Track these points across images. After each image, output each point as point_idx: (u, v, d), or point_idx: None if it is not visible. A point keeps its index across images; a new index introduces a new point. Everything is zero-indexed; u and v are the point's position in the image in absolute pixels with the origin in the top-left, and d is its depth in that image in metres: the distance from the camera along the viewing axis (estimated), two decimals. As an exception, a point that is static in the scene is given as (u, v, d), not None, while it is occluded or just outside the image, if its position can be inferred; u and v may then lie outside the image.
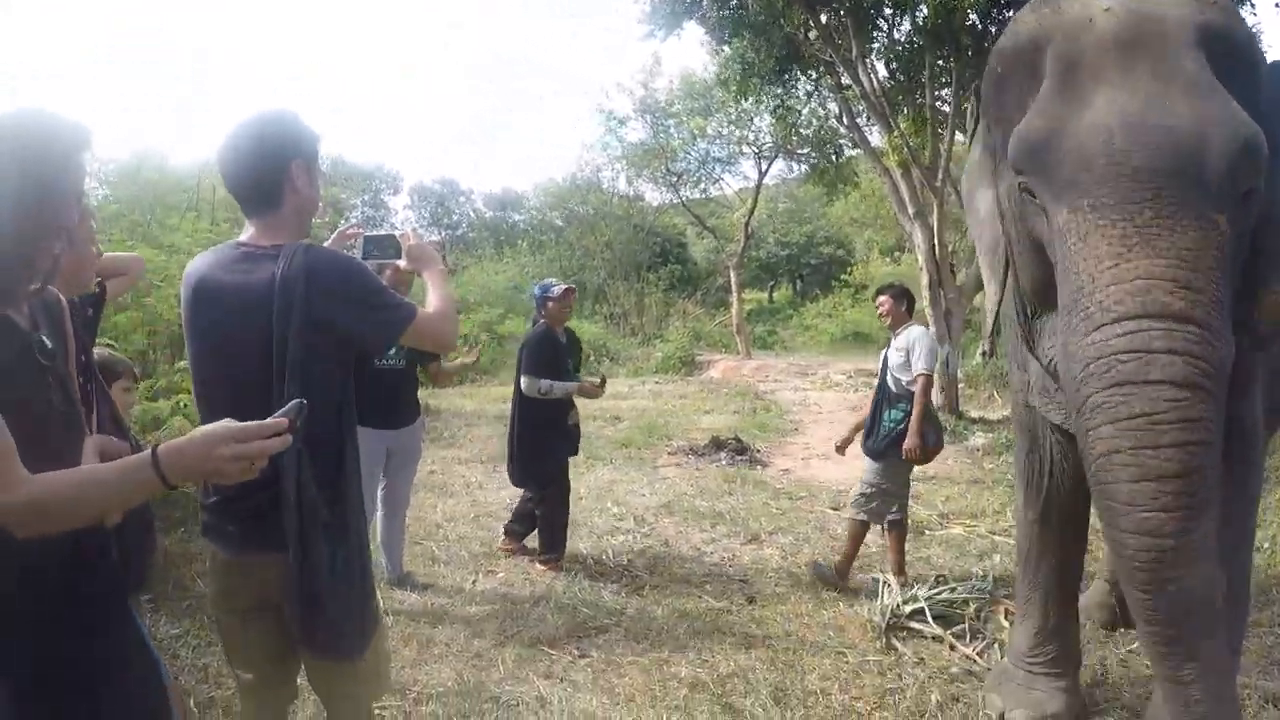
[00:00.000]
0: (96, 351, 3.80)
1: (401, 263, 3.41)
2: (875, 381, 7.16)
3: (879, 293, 7.28)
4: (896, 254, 37.07)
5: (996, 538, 7.81)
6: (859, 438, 7.10)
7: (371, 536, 6.35)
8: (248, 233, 3.01)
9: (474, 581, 6.87)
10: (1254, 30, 3.07)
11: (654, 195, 38.73)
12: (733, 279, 30.17)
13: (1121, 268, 2.72)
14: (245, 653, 3.17)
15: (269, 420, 2.01)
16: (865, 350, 29.14)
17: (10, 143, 2.15)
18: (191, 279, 3.00)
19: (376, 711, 4.50)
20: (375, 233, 3.50)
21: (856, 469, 10.10)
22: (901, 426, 6.57)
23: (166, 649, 5.28)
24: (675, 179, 34.92)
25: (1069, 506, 4.42)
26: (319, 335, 2.86)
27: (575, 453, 7.48)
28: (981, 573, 6.61)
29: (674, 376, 23.02)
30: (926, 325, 11.09)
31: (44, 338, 2.33)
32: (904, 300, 7.06)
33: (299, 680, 3.33)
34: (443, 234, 44.55)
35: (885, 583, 6.19)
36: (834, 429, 13.80)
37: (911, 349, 6.75)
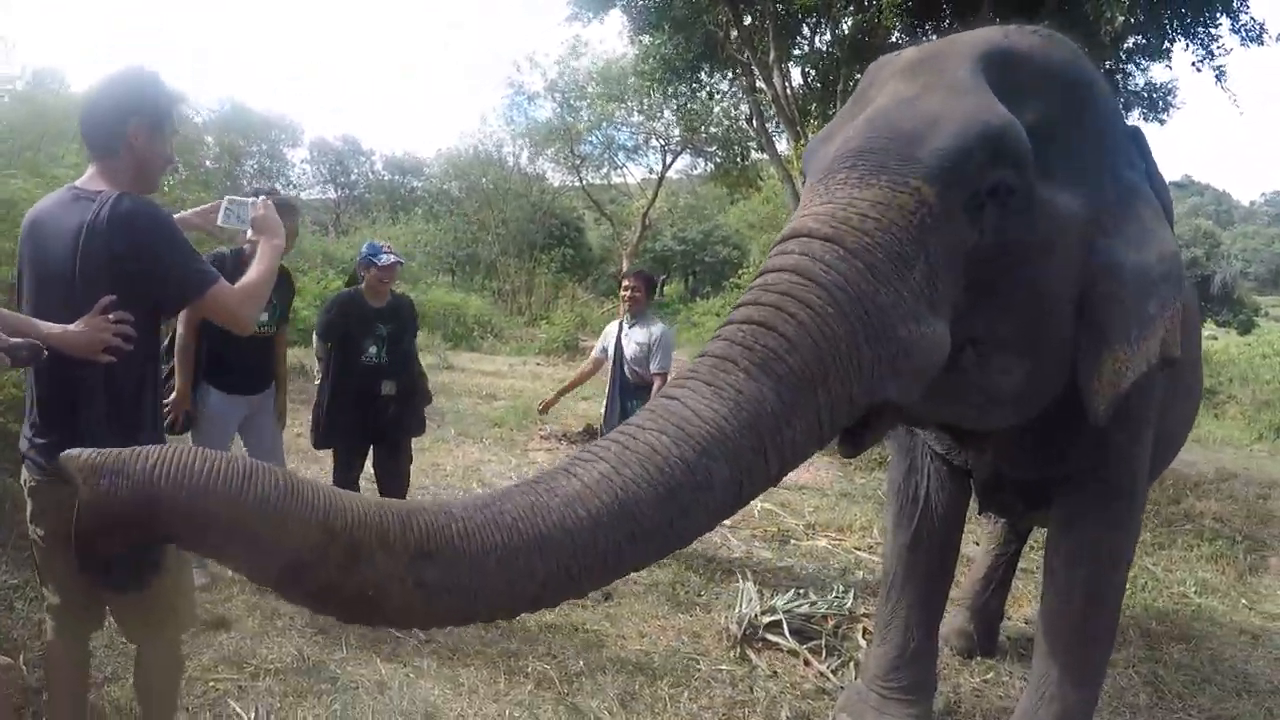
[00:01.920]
0: None
1: (249, 231, 3.60)
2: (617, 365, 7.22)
3: (628, 276, 7.42)
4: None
5: (861, 554, 7.76)
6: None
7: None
8: (84, 176, 3.24)
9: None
10: (1072, 62, 3.03)
11: (555, 176, 38.65)
12: (625, 268, 30.15)
13: (798, 214, 2.71)
14: (52, 576, 3.39)
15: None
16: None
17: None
18: (29, 215, 3.24)
19: (212, 684, 4.55)
20: (237, 198, 3.66)
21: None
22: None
23: (2, 600, 5.18)
24: (578, 161, 34.82)
25: (942, 534, 4.39)
26: (117, 283, 3.02)
27: (396, 429, 6.89)
28: (843, 588, 6.50)
29: (556, 359, 22.81)
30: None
31: None
32: (652, 289, 7.35)
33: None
34: (340, 191, 44.31)
35: (745, 591, 6.08)
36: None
37: (654, 345, 6.98)
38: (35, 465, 3.24)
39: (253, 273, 3.40)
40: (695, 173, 36.33)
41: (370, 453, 6.77)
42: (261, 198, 3.68)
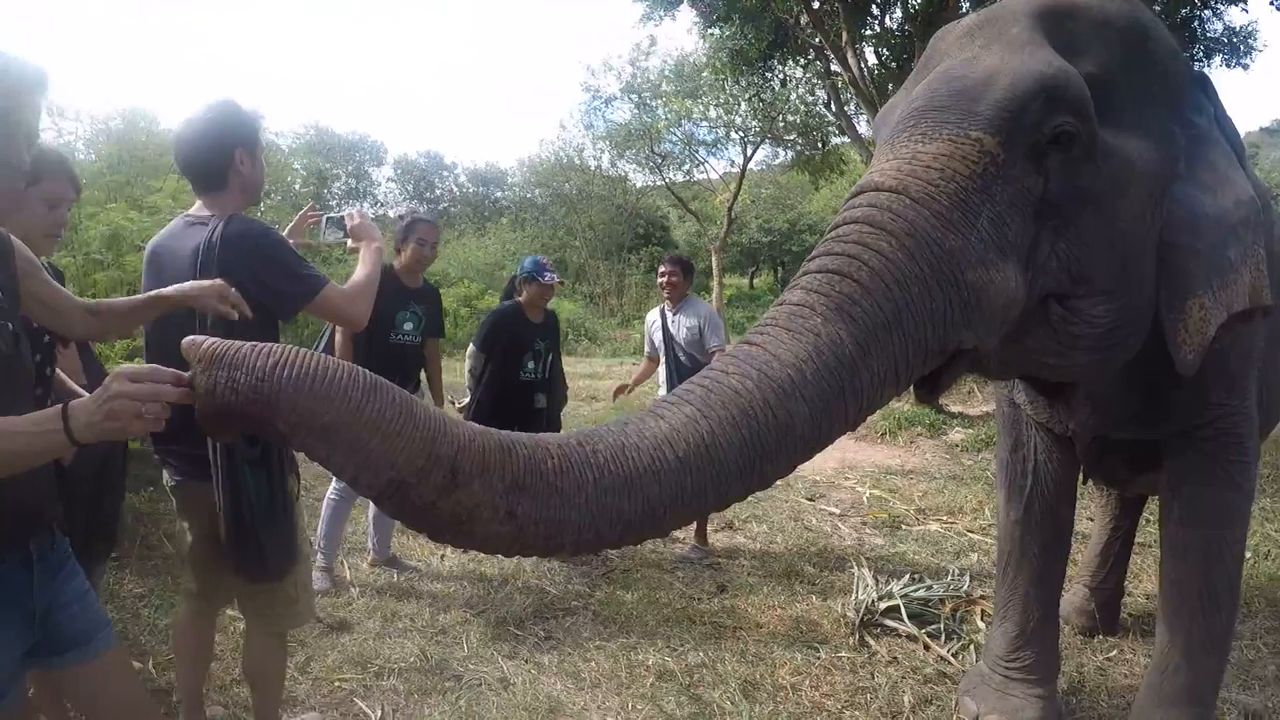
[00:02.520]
0: None
1: (349, 241, 3.88)
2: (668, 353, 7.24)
3: (664, 263, 7.43)
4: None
5: (974, 536, 7.69)
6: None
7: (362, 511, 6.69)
8: (196, 206, 3.53)
9: (442, 557, 6.79)
10: (1130, 12, 3.01)
11: (637, 177, 38.64)
12: (714, 263, 30.10)
13: (866, 175, 2.76)
14: (194, 564, 3.76)
15: (166, 369, 1.99)
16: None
17: None
18: (149, 247, 3.53)
19: (338, 684, 4.69)
20: (335, 214, 4.04)
21: (833, 460, 10.10)
22: None
23: (129, 608, 5.39)
24: (660, 160, 34.80)
25: (1052, 508, 4.33)
26: (250, 295, 3.21)
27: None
28: (958, 571, 6.47)
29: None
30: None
31: None
32: (690, 273, 7.32)
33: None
34: (424, 207, 44.72)
35: (861, 578, 6.06)
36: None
37: (704, 325, 7.00)
38: (173, 468, 3.58)
39: (359, 274, 3.65)
40: (776, 162, 36.08)
41: None
42: (355, 208, 4.06)
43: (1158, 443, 3.85)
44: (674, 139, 33.96)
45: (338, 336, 5.97)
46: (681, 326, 7.09)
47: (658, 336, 7.30)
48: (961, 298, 2.47)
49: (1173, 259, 3.04)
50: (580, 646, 5.27)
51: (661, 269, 7.39)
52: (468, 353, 7.00)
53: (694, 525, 7.09)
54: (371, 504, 6.42)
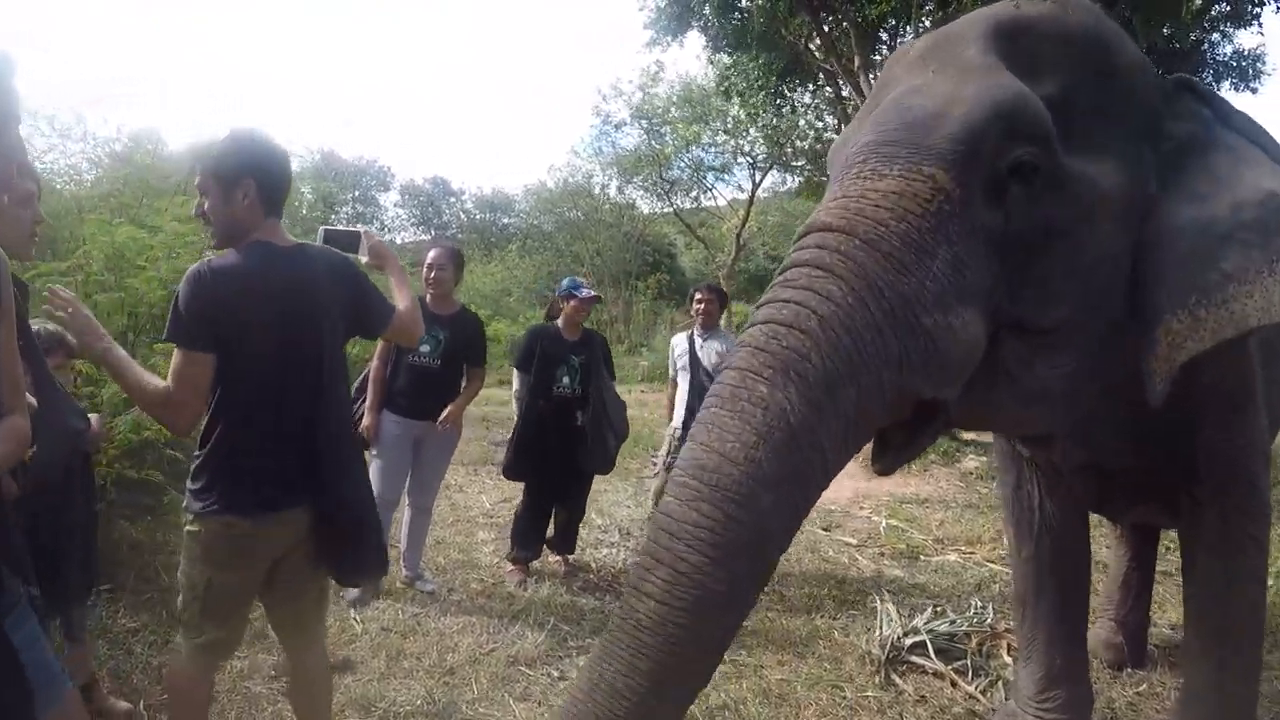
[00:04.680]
0: (42, 325, 3.97)
1: (364, 258, 3.90)
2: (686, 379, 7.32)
3: (700, 290, 7.58)
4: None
5: (993, 566, 7.57)
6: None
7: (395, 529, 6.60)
8: (276, 234, 3.47)
9: (449, 591, 6.63)
10: (1091, 25, 2.90)
11: (645, 203, 38.63)
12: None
13: (818, 210, 2.63)
14: (227, 612, 3.52)
15: None
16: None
17: None
18: (240, 274, 3.29)
19: None
20: (335, 227, 3.99)
21: (847, 488, 9.95)
22: None
23: (121, 643, 5.19)
24: (668, 187, 34.78)
25: (1064, 543, 4.19)
26: (342, 320, 3.54)
27: (588, 462, 7.11)
28: (980, 603, 6.35)
29: (660, 385, 22.72)
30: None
31: None
32: (724, 302, 7.66)
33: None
34: (433, 233, 44.78)
35: (885, 612, 5.90)
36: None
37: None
38: (259, 504, 3.38)
39: (407, 299, 3.90)
40: (784, 189, 36.08)
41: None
42: (366, 228, 4.03)
43: (1159, 470, 3.69)
44: (682, 164, 33.97)
45: (374, 361, 6.39)
46: (711, 352, 7.15)
47: (683, 361, 7.32)
48: (918, 345, 2.34)
49: (1144, 281, 2.86)
50: (596, 687, 5.07)
51: (698, 295, 7.51)
52: (513, 378, 7.26)
53: None
54: (406, 517, 6.65)
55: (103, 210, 8.45)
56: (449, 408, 6.44)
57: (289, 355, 3.36)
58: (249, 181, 3.36)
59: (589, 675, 2.12)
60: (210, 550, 3.40)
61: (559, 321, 7.08)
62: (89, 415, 4.05)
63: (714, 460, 2.14)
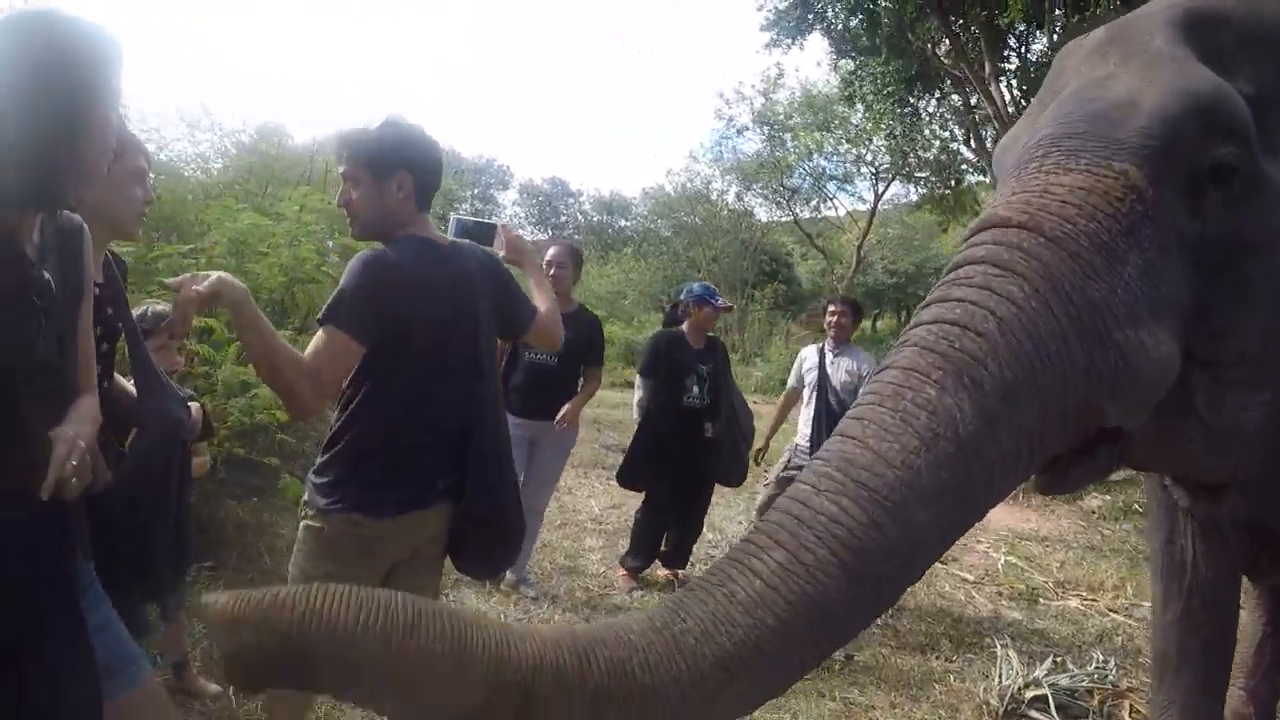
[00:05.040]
0: (149, 307, 4.05)
1: (500, 252, 3.75)
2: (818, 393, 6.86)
3: (834, 302, 7.18)
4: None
5: (1116, 616, 7.12)
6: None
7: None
8: (419, 228, 3.37)
9: (553, 598, 6.56)
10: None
11: (763, 211, 38.44)
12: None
13: (986, 209, 2.29)
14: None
15: None
16: (967, 388, 28.56)
17: (27, 38, 2.03)
18: (408, 268, 3.21)
19: None
20: (468, 218, 3.85)
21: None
22: None
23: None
24: (789, 195, 34.53)
25: (1214, 606, 3.72)
26: (493, 318, 3.49)
27: (720, 473, 7.04)
28: (1102, 657, 5.92)
29: (773, 397, 22.41)
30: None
31: (48, 276, 2.18)
32: (859, 316, 7.28)
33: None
34: (553, 233, 45.17)
35: (1005, 659, 5.53)
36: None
37: (863, 373, 6.65)
38: (399, 503, 3.28)
39: (547, 298, 3.86)
40: (903, 201, 35.68)
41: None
42: (503, 221, 3.94)
43: None
44: (803, 172, 33.71)
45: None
46: (841, 370, 6.78)
47: (811, 376, 6.94)
48: (1107, 361, 1.97)
49: None
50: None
51: (831, 308, 7.10)
52: (636, 385, 7.18)
53: None
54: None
55: (227, 197, 8.54)
56: (567, 407, 6.33)
57: (447, 353, 3.30)
58: (404, 174, 3.26)
59: (654, 620, 1.77)
60: (332, 548, 3.29)
61: (684, 327, 6.94)
62: (189, 404, 3.93)
63: (867, 458, 1.79)
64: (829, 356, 6.86)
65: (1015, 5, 12.75)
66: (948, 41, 15.01)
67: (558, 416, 6.24)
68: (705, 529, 7.83)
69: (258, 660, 1.50)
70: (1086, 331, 1.93)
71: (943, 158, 25.22)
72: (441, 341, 3.27)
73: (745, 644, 1.62)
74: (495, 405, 3.57)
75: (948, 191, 26.17)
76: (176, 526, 3.64)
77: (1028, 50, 15.46)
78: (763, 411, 18.80)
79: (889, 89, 16.15)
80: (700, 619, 1.66)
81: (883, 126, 21.68)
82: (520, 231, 4.07)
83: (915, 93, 17.07)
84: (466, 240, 3.67)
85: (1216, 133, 2.16)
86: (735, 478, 7.03)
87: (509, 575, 6.41)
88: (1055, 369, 1.90)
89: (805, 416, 6.94)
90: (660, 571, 7.16)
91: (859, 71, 16.63)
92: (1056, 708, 5.13)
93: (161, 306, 4.01)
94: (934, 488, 1.76)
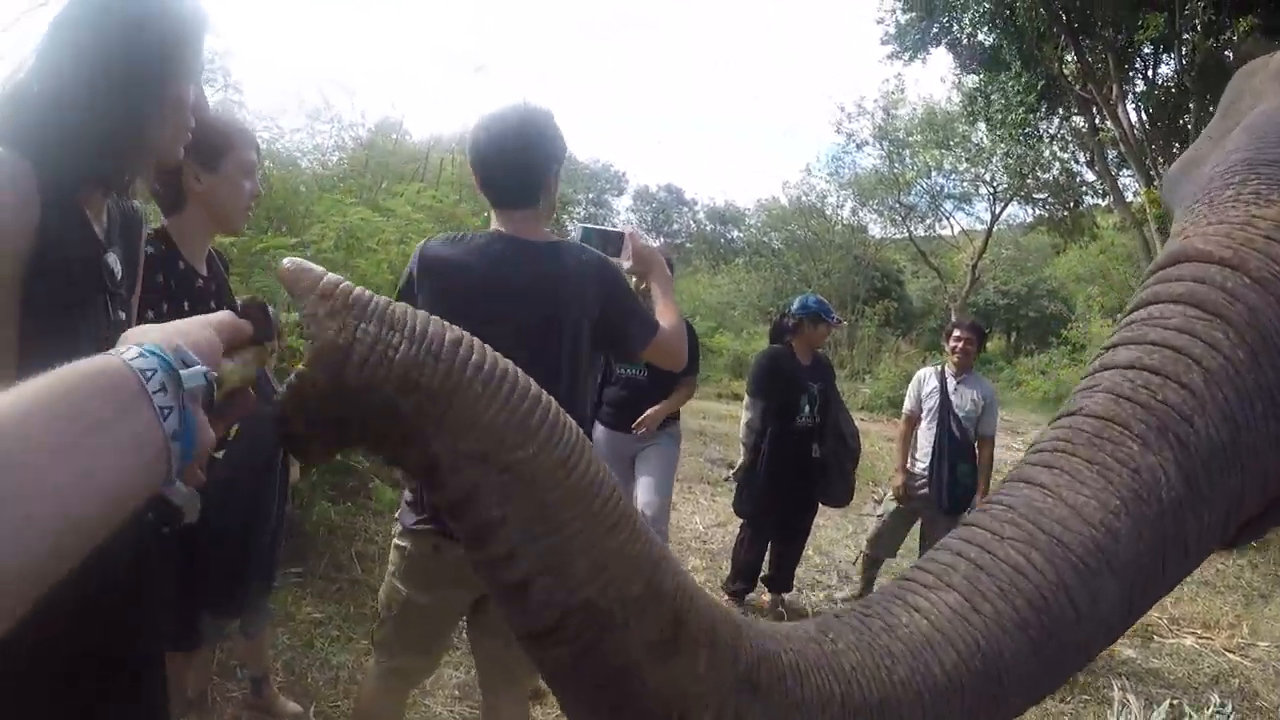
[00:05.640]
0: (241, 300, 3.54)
1: (626, 263, 3.41)
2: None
3: (959, 327, 6.99)
4: (1119, 315, 35.36)
5: (1232, 657, 6.88)
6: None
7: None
8: (506, 224, 3.13)
9: None
10: None
11: (876, 227, 38.14)
12: (954, 322, 29.32)
13: (1179, 236, 2.01)
14: (423, 636, 3.30)
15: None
16: (1078, 414, 27.99)
17: (100, 6, 1.91)
18: (450, 263, 3.06)
19: None
20: (596, 226, 3.52)
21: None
22: (967, 483, 6.53)
23: (302, 634, 5.02)
24: (905, 212, 34.24)
25: None
26: (590, 331, 3.08)
27: (827, 494, 6.85)
28: (1220, 700, 5.73)
29: (880, 416, 22.16)
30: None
31: (115, 260, 2.05)
32: (983, 342, 7.15)
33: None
34: (663, 240, 45.19)
35: (1124, 703, 5.38)
36: (1047, 497, 13.27)
37: (988, 405, 6.76)
38: (446, 528, 2.97)
39: (671, 314, 3.40)
40: (1016, 222, 35.22)
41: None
42: (631, 228, 3.57)
43: None
44: (921, 190, 33.41)
45: None
46: (966, 399, 6.65)
47: (932, 401, 6.76)
48: None
49: None
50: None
51: (956, 333, 6.93)
52: (744, 405, 6.87)
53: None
54: None
55: (340, 191, 8.52)
56: (648, 411, 6.00)
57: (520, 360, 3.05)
58: (558, 166, 3.18)
59: (806, 629, 1.58)
60: (414, 570, 3.18)
61: (792, 343, 6.74)
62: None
63: (1060, 511, 1.61)
64: (951, 383, 6.72)
65: (1151, 24, 12.50)
66: (1074, 61, 14.75)
67: (636, 421, 5.97)
68: (811, 551, 7.68)
69: (376, 368, 0.97)
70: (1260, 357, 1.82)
71: (1062, 179, 24.86)
72: (498, 343, 3.02)
73: (906, 688, 1.48)
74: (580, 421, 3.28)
75: (1065, 214, 25.78)
76: (272, 537, 3.49)
77: (1155, 74, 15.18)
78: (869, 430, 18.65)
79: (1016, 106, 15.89)
80: (857, 644, 1.44)
81: (1002, 145, 21.42)
82: (637, 238, 3.76)
83: (1040, 112, 16.79)
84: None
85: None
86: (841, 499, 6.87)
87: None
88: (1260, 429, 1.78)
89: (923, 441, 6.77)
90: (764, 596, 7.01)
91: (984, 88, 16.38)
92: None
93: (260, 300, 3.88)
94: (1130, 557, 1.62)
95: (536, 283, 3.01)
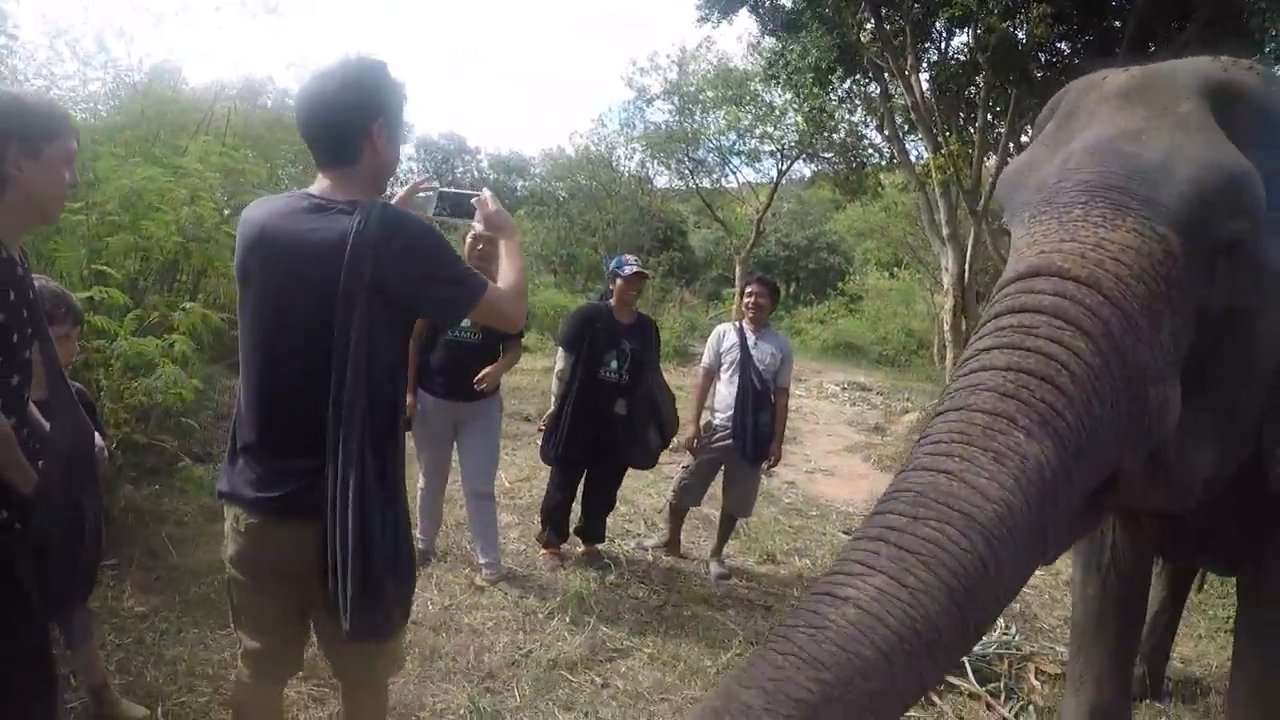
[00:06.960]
0: (42, 285, 3.24)
1: (478, 225, 3.30)
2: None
3: (754, 283, 7.20)
4: (894, 269, 36.82)
5: (1024, 590, 7.40)
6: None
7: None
8: (319, 185, 2.94)
9: (476, 580, 6.29)
10: None
11: (661, 179, 38.52)
12: (737, 273, 30.01)
13: (1034, 248, 2.42)
14: (256, 620, 3.07)
15: None
16: (855, 361, 29.61)
17: None
18: (254, 226, 2.90)
19: None
20: (451, 190, 3.38)
21: (863, 491, 9.93)
22: (767, 431, 6.88)
23: (130, 630, 4.80)
24: (693, 166, 34.70)
25: (1130, 584, 4.10)
26: (384, 296, 2.78)
27: (627, 453, 6.88)
28: (1004, 624, 6.23)
29: (666, 365, 22.43)
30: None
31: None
32: (777, 298, 7.26)
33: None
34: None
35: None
36: (833, 441, 13.89)
37: (785, 358, 7.01)
38: (259, 503, 2.86)
39: (513, 273, 3.16)
40: (800, 177, 36.08)
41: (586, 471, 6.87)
42: (486, 192, 3.33)
43: (1241, 526, 3.57)
44: (711, 145, 33.91)
45: None
46: (765, 352, 6.87)
47: (733, 355, 6.94)
48: (1141, 419, 2.22)
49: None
50: (640, 696, 4.91)
51: (750, 289, 7.11)
52: (557, 355, 6.86)
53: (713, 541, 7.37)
54: (469, 506, 6.41)
55: (117, 145, 7.91)
56: (486, 369, 6.03)
57: (287, 324, 2.88)
58: (381, 120, 2.89)
59: (744, 674, 1.83)
60: (226, 542, 3.03)
61: (611, 301, 6.77)
62: (96, 430, 3.51)
63: (965, 491, 1.93)
64: (751, 338, 6.92)
65: (960, 5, 13.02)
66: (872, 29, 15.30)
67: (478, 376, 6.00)
68: (619, 503, 7.72)
69: None
70: (1133, 391, 2.18)
71: (849, 140, 25.67)
72: (281, 307, 2.87)
73: (841, 681, 1.75)
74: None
75: (850, 173, 26.65)
76: (92, 545, 3.14)
77: (948, 46, 15.91)
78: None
79: (810, 68, 16.36)
80: (793, 650, 1.80)
81: (801, 106, 21.98)
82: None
83: (836, 75, 17.34)
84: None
85: (1239, 208, 2.41)
86: (638, 462, 6.96)
87: (485, 571, 6.32)
88: (1110, 425, 2.13)
89: (724, 394, 6.98)
90: (578, 548, 7.10)
91: (784, 51, 16.83)
92: (973, 673, 5.40)
93: (55, 286, 3.65)
94: (1024, 531, 1.93)
95: (331, 243, 2.74)
